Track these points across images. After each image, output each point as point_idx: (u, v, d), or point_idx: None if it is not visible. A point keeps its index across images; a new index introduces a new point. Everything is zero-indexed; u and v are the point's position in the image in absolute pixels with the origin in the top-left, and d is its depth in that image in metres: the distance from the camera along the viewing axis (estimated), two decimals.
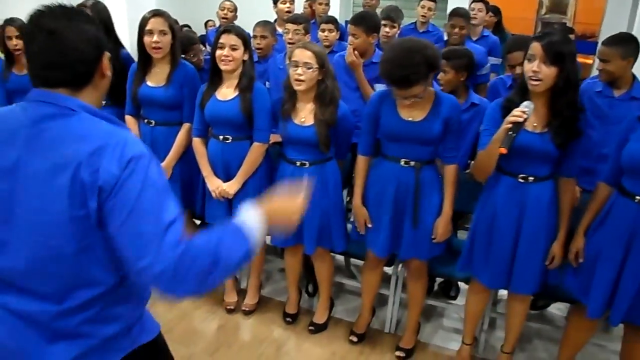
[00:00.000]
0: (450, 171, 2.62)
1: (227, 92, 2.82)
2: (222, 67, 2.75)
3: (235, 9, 4.98)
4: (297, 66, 2.61)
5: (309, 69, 2.60)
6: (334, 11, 6.21)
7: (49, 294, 1.25)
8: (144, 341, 1.43)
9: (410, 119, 2.52)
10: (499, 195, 2.45)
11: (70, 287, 1.25)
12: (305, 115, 2.72)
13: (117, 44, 3.24)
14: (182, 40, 3.69)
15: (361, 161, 2.74)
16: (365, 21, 3.32)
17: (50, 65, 1.24)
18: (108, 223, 1.20)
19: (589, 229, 2.43)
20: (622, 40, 2.87)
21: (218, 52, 2.74)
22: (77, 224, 1.19)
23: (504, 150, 2.17)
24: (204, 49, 3.73)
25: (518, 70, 3.14)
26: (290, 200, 1.45)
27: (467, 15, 4.06)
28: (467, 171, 3.00)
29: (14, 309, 1.27)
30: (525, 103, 2.22)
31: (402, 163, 2.58)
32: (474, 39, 4.33)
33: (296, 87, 2.65)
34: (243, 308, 3.28)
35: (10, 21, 3.70)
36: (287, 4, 4.74)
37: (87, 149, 1.18)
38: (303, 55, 2.61)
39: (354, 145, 2.92)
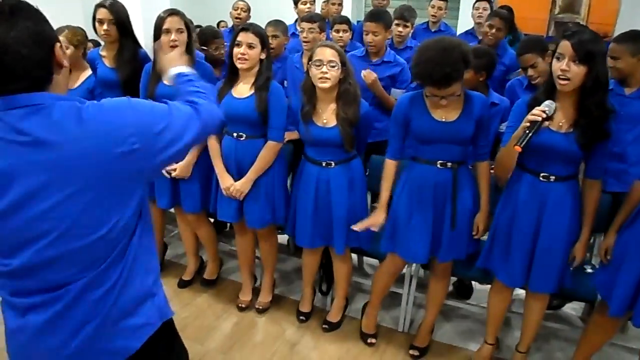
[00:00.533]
0: (484, 167, 2.61)
1: (243, 90, 2.83)
2: (239, 65, 2.75)
3: (248, 9, 4.98)
4: (321, 64, 2.60)
5: (333, 66, 2.59)
6: (346, 11, 6.20)
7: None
8: (169, 315, 1.47)
9: (443, 119, 2.49)
10: (520, 193, 2.44)
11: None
12: (327, 116, 2.71)
13: (136, 44, 3.25)
14: (206, 33, 3.72)
15: (390, 165, 2.69)
16: (384, 18, 3.37)
17: (5, 79, 1.15)
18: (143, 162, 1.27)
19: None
20: (633, 37, 2.83)
21: (235, 50, 2.75)
22: (111, 201, 1.24)
23: (518, 149, 2.16)
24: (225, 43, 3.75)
25: (530, 72, 3.13)
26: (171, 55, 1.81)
27: (506, 17, 3.99)
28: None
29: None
30: (547, 102, 2.21)
31: (439, 165, 2.54)
32: (479, 38, 4.31)
33: (321, 85, 2.62)
34: (256, 306, 3.29)
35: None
36: (308, 5, 4.74)
37: (92, 130, 1.19)
38: (326, 53, 2.60)
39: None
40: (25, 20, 1.15)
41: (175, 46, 2.88)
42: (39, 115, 1.17)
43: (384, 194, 2.70)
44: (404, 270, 3.05)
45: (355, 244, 2.90)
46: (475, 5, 4.72)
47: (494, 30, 3.89)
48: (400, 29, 3.79)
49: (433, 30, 4.91)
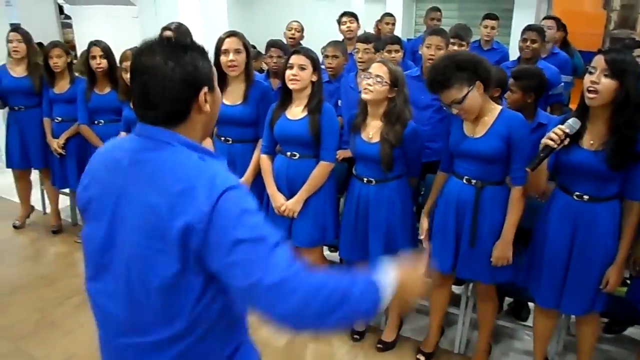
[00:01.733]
0: (514, 193, 2.53)
1: (296, 112, 2.89)
2: (291, 86, 2.82)
3: (302, 30, 5.07)
4: (369, 77, 2.66)
5: (378, 81, 2.64)
6: (396, 30, 6.23)
7: (138, 325, 1.26)
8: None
9: (471, 135, 2.53)
10: (554, 212, 2.43)
11: (158, 320, 1.24)
12: (372, 131, 2.76)
13: None
14: (269, 43, 3.91)
15: (438, 177, 2.79)
16: (447, 35, 3.47)
17: (143, 104, 1.24)
18: (210, 259, 1.16)
19: None
20: None
21: (287, 72, 2.82)
22: (163, 261, 1.18)
23: (528, 170, 2.20)
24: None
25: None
26: (418, 274, 1.34)
27: (540, 30, 4.02)
28: None
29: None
30: (570, 121, 2.20)
31: (464, 181, 2.58)
32: (543, 56, 4.26)
33: (363, 96, 2.70)
34: None
35: (96, 42, 3.91)
36: (348, 24, 4.81)
37: (179, 186, 1.17)
38: (378, 68, 2.67)
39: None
40: (186, 59, 1.22)
41: (234, 66, 2.97)
42: (155, 153, 1.23)
43: (428, 202, 2.82)
44: (459, 291, 3.02)
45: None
46: (541, 22, 4.69)
47: (528, 43, 3.91)
48: (455, 47, 3.79)
49: (485, 48, 4.91)
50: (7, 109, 4.49)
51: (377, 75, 2.65)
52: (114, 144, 1.38)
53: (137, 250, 1.21)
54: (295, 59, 2.81)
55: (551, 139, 2.16)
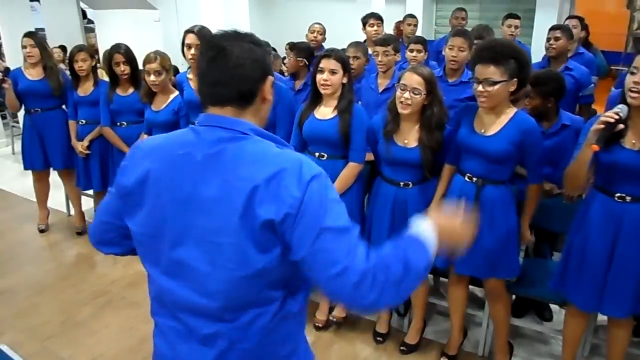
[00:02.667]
0: (530, 189, 2.64)
1: (326, 112, 2.89)
2: (322, 91, 2.82)
3: (324, 32, 5.08)
4: (405, 90, 2.62)
5: (416, 94, 2.60)
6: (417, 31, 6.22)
7: (220, 313, 1.26)
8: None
9: (481, 131, 2.51)
10: (594, 213, 2.38)
11: (241, 306, 1.26)
12: (408, 137, 2.72)
13: None
14: (290, 46, 3.87)
15: (445, 169, 2.78)
16: (470, 36, 3.44)
17: (216, 82, 1.25)
18: (297, 246, 1.18)
19: None
20: None
21: (318, 77, 2.82)
22: (250, 249, 1.19)
23: (596, 147, 2.12)
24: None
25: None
26: (458, 221, 1.37)
27: (565, 28, 3.98)
28: (560, 192, 2.94)
29: (188, 329, 1.31)
30: (619, 106, 2.17)
31: (466, 178, 2.59)
32: (569, 55, 4.22)
33: (402, 111, 2.65)
34: (331, 317, 3.31)
35: (117, 49, 3.95)
36: (375, 27, 4.81)
37: (265, 174, 1.17)
38: (413, 80, 2.61)
39: None
40: (255, 45, 1.27)
41: None
42: (234, 144, 1.24)
43: (436, 196, 2.79)
44: (482, 294, 3.00)
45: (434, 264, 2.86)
46: (565, 22, 4.64)
47: (552, 41, 3.89)
48: None
49: None
50: (23, 111, 4.56)
51: (414, 88, 2.59)
52: (171, 136, 1.35)
53: (227, 239, 1.20)
54: (325, 63, 2.80)
55: (607, 116, 2.12)
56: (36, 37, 4.33)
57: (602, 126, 2.12)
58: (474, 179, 2.56)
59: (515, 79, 2.40)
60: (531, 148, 2.49)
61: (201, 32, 3.27)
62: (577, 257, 2.46)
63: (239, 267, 1.20)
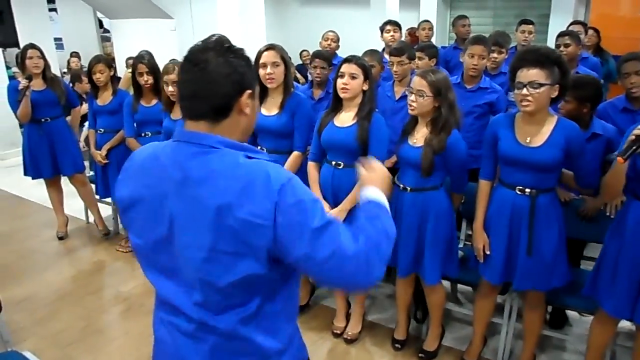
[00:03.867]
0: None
1: (345, 119, 2.90)
2: (341, 95, 2.84)
3: (338, 40, 5.11)
4: (411, 93, 2.68)
5: (420, 96, 2.65)
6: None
7: (209, 307, 1.32)
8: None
9: (527, 143, 2.49)
10: (629, 220, 2.36)
11: (227, 305, 1.31)
12: (418, 137, 2.76)
13: None
14: (314, 53, 3.93)
15: (482, 185, 2.74)
16: (488, 43, 3.44)
17: (192, 96, 1.27)
18: (286, 253, 1.23)
19: None
20: None
21: (338, 81, 2.84)
22: (229, 260, 1.24)
23: (621, 160, 2.12)
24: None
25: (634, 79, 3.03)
26: (380, 172, 1.55)
27: (572, 34, 3.97)
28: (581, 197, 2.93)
29: (180, 327, 1.37)
30: None
31: (517, 190, 2.55)
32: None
33: (409, 112, 2.74)
34: (345, 336, 3.30)
35: (141, 59, 4.00)
36: (392, 33, 4.83)
37: (235, 188, 1.21)
38: (417, 83, 2.67)
39: None
40: (236, 60, 1.28)
41: (272, 79, 3.00)
42: (203, 158, 1.27)
43: (479, 215, 2.74)
44: (503, 301, 2.99)
45: (422, 273, 2.88)
46: (569, 28, 4.63)
47: (562, 48, 3.86)
48: (495, 54, 3.78)
49: None
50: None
51: (418, 90, 2.65)
52: (156, 148, 1.38)
53: (204, 254, 1.25)
54: (346, 68, 2.83)
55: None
56: (39, 48, 4.44)
57: (634, 137, 2.11)
58: (527, 190, 2.54)
59: (557, 85, 2.39)
60: (579, 153, 2.48)
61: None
62: (610, 263, 2.44)
63: (224, 276, 1.25)
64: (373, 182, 1.49)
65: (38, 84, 4.42)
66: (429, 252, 2.81)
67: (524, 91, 2.38)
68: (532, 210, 2.53)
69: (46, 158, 4.58)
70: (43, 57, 4.42)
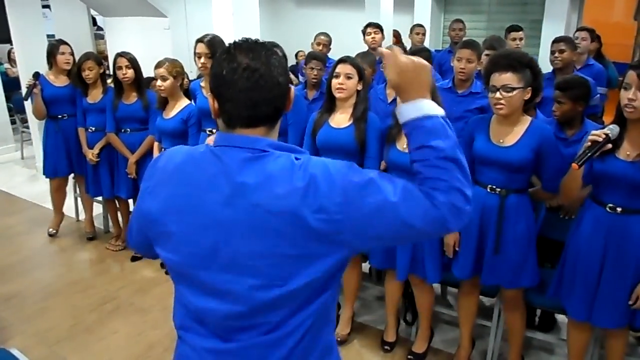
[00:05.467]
0: (541, 194, 2.68)
1: (341, 120, 2.91)
2: (337, 94, 2.85)
3: (330, 43, 5.11)
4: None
5: None
6: (425, 41, 6.26)
7: (264, 326, 1.24)
8: None
9: (500, 142, 2.54)
10: (586, 223, 2.41)
11: (286, 315, 1.23)
12: (406, 141, 2.75)
13: None
14: (309, 54, 3.95)
15: None
16: (478, 47, 3.46)
17: (255, 103, 1.20)
18: (355, 243, 1.17)
19: None
20: None
21: (333, 81, 2.85)
22: (301, 262, 1.17)
23: (575, 166, 2.17)
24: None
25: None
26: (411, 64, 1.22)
27: (567, 40, 4.01)
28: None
29: (223, 349, 1.28)
30: (610, 126, 2.22)
31: (488, 189, 2.59)
32: (578, 67, 4.24)
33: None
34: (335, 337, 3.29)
35: (122, 53, 4.00)
36: (372, 35, 4.86)
37: (299, 189, 1.14)
38: None
39: None
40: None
41: None
42: (258, 163, 1.19)
43: None
44: (492, 304, 3.00)
45: (420, 274, 2.89)
46: (575, 34, 4.67)
47: (556, 54, 3.92)
48: None
49: None
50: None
51: None
52: (192, 154, 1.28)
53: (266, 260, 1.18)
54: (341, 68, 2.84)
55: (596, 135, 2.17)
56: (70, 45, 4.45)
57: (589, 144, 2.17)
58: (497, 189, 2.58)
59: (529, 88, 2.45)
60: (549, 155, 2.51)
61: (211, 42, 3.30)
62: (570, 266, 2.49)
63: (289, 280, 1.18)
64: (413, 85, 1.21)
65: (58, 80, 4.41)
66: (430, 251, 2.82)
67: (497, 95, 2.43)
68: (501, 209, 2.57)
69: (62, 156, 4.54)
70: (73, 53, 4.42)
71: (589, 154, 2.16)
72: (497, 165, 2.56)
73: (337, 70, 2.85)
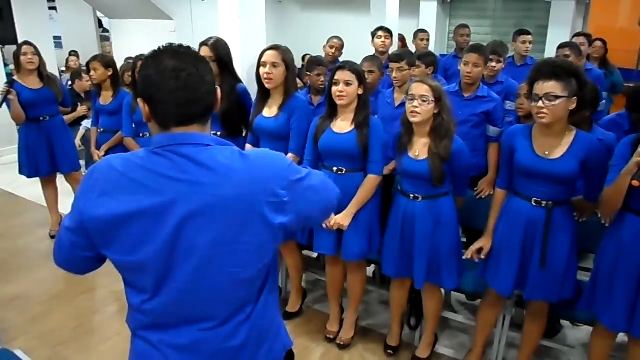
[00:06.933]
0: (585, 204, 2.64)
1: (343, 126, 2.91)
2: (338, 102, 2.84)
3: (342, 47, 5.08)
4: (413, 99, 2.65)
5: (424, 101, 2.62)
6: (430, 45, 6.25)
7: (217, 318, 1.34)
8: (289, 345, 1.54)
9: (546, 154, 2.48)
10: (624, 233, 2.36)
11: (238, 306, 1.36)
12: (419, 149, 2.74)
13: (235, 79, 3.42)
14: (312, 60, 3.87)
15: (498, 194, 2.75)
16: (485, 52, 3.46)
17: (185, 102, 1.26)
18: (294, 222, 1.35)
19: None
20: None
21: (333, 89, 2.84)
22: (254, 249, 1.31)
23: (636, 183, 2.13)
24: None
25: None
26: None
27: (573, 45, 4.01)
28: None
29: (179, 343, 1.35)
30: None
31: (533, 202, 2.53)
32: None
33: (411, 119, 2.67)
34: (338, 342, 3.30)
35: (140, 56, 4.00)
36: (383, 39, 4.85)
37: (248, 177, 1.27)
38: (420, 88, 2.64)
39: None
40: (203, 59, 1.34)
41: (269, 79, 3.01)
42: (207, 156, 1.27)
43: (490, 222, 2.75)
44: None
45: (437, 281, 2.87)
46: (572, 40, 4.67)
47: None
48: (494, 64, 3.80)
49: (519, 64, 4.91)
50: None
51: (422, 96, 2.62)
52: (133, 159, 1.30)
53: (226, 247, 1.27)
54: (340, 75, 2.83)
55: None
56: (34, 45, 4.44)
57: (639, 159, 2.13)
58: (543, 202, 2.53)
59: (575, 97, 2.38)
60: (596, 167, 2.46)
61: (215, 45, 3.31)
62: (606, 277, 2.44)
63: (243, 269, 1.31)
64: None
65: (34, 82, 4.42)
66: (447, 257, 2.80)
67: (540, 103, 2.37)
68: (547, 222, 2.51)
69: (44, 156, 4.56)
70: (38, 54, 4.41)
71: None
72: (543, 178, 2.49)
73: (336, 77, 2.84)
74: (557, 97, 2.35)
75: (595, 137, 2.55)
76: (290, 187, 1.31)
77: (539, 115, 2.40)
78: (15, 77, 4.46)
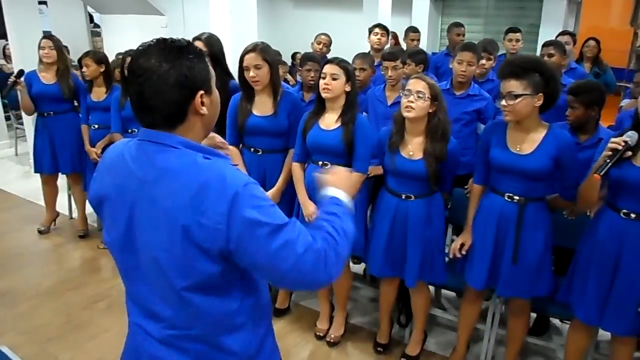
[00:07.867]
0: (558, 202, 2.64)
1: (330, 122, 2.90)
2: (323, 94, 2.84)
3: (330, 43, 5.11)
4: (409, 94, 2.63)
5: (420, 97, 2.61)
6: (421, 44, 6.25)
7: (166, 319, 1.33)
8: None
9: (517, 150, 2.49)
10: (600, 228, 2.40)
11: (185, 318, 1.31)
12: (413, 148, 2.72)
13: (228, 75, 3.39)
14: (304, 56, 3.88)
15: (475, 190, 2.77)
16: (478, 50, 3.48)
17: (140, 108, 1.25)
18: (241, 256, 1.22)
19: None
20: None
21: (320, 82, 2.84)
22: (185, 262, 1.22)
23: (597, 177, 2.16)
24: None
25: None
26: (344, 174, 1.56)
27: (556, 44, 4.00)
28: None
29: (141, 325, 1.38)
30: (629, 132, 2.19)
31: (506, 197, 2.55)
32: (562, 71, 4.25)
33: (405, 114, 2.65)
34: (327, 339, 3.29)
35: (128, 53, 3.99)
36: (379, 36, 4.85)
37: (191, 189, 1.19)
38: (417, 84, 2.64)
39: None
40: (182, 61, 1.22)
41: (256, 82, 2.98)
42: (160, 158, 1.25)
43: (469, 217, 2.76)
44: (486, 307, 3.00)
45: (429, 278, 2.88)
46: (557, 38, 4.66)
47: (545, 58, 3.88)
48: (484, 61, 3.82)
49: None
50: (35, 114, 4.58)
51: (418, 91, 2.61)
52: (125, 146, 1.35)
53: (162, 253, 1.24)
54: (328, 69, 2.83)
55: (615, 143, 2.15)
56: (54, 39, 4.39)
57: (609, 152, 2.15)
58: (516, 198, 2.53)
59: (540, 94, 2.39)
60: (568, 164, 2.48)
61: (208, 40, 3.29)
62: (582, 270, 2.47)
63: (181, 277, 1.24)
64: (335, 183, 1.49)
65: (49, 77, 4.38)
66: (437, 253, 2.82)
67: (503, 102, 2.41)
68: (519, 218, 2.53)
69: (47, 153, 4.51)
70: (57, 48, 4.35)
71: (610, 163, 2.14)
72: (515, 174, 2.51)
73: (323, 71, 2.84)
74: (518, 96, 2.37)
75: (567, 134, 2.56)
76: (232, 221, 1.18)
77: (503, 114, 2.45)
78: (35, 69, 4.41)
